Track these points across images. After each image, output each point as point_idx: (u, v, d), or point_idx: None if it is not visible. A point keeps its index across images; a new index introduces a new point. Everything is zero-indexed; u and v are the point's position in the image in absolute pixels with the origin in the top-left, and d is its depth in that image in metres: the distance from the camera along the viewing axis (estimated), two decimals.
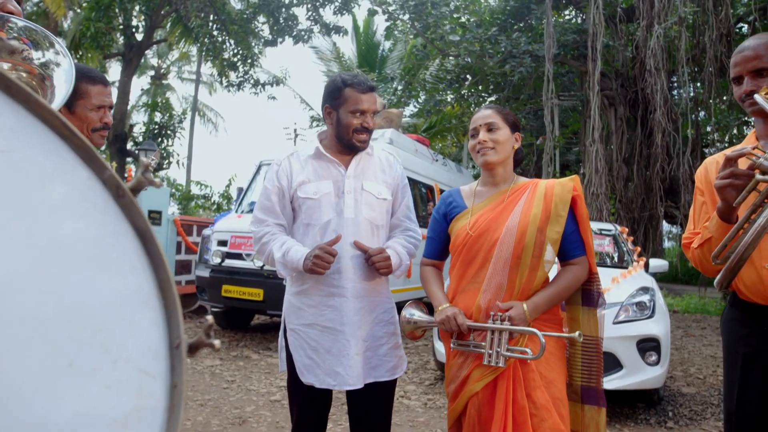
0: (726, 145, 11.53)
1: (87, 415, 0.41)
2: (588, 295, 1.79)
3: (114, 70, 19.16)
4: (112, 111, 1.83)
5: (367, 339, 1.94)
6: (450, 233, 1.90)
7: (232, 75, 12.96)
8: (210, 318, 0.53)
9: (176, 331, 0.48)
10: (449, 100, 12.68)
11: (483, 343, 1.70)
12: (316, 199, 1.95)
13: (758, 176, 1.34)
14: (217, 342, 0.53)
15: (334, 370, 1.88)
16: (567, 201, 1.74)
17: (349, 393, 2.01)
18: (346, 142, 1.97)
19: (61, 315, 0.43)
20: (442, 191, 8.45)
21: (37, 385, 0.39)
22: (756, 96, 1.45)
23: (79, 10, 13.24)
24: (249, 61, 12.52)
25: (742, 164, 1.44)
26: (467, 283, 1.80)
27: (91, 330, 0.44)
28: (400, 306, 2.06)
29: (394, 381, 2.04)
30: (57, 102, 0.96)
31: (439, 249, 1.97)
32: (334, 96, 1.96)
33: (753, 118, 1.67)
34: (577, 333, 1.62)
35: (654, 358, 3.74)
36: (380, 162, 2.08)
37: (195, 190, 17.55)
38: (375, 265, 1.90)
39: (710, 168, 1.71)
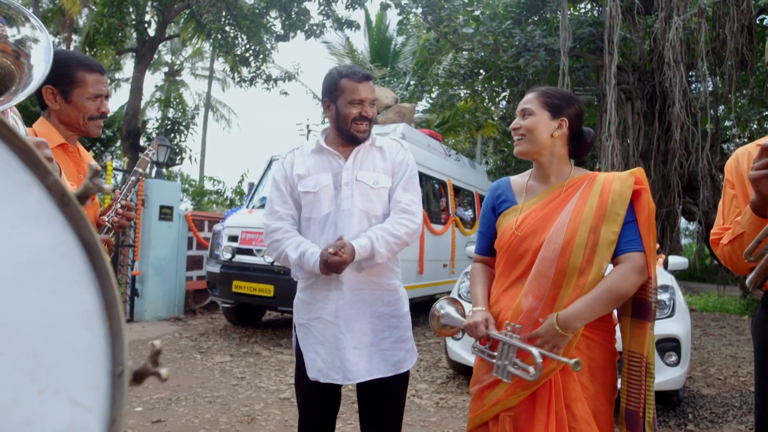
0: (746, 140, 11.27)
1: None
2: (640, 305, 1.57)
3: (127, 66, 19.25)
4: (108, 100, 1.79)
5: (369, 333, 1.89)
6: (497, 228, 1.75)
7: (245, 70, 12.92)
8: (157, 343, 0.45)
9: (120, 358, 0.41)
10: (462, 94, 12.54)
11: (495, 353, 1.58)
12: (315, 192, 1.93)
13: None
14: (164, 371, 0.44)
15: (337, 364, 1.86)
16: (626, 198, 1.56)
17: (359, 389, 1.98)
18: (345, 133, 1.95)
19: None
20: (455, 187, 8.35)
21: None
22: None
23: (93, 7, 13.30)
24: (261, 56, 12.46)
25: None
26: (511, 284, 1.66)
27: (15, 356, 0.36)
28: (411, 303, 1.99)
29: (406, 376, 1.98)
30: (35, 82, 0.89)
31: (487, 244, 1.81)
32: (331, 89, 1.95)
33: None
34: (573, 361, 1.41)
35: (674, 358, 3.63)
36: (382, 151, 2.03)
37: (208, 185, 17.58)
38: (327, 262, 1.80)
39: (741, 159, 1.60)
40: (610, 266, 1.61)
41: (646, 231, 1.56)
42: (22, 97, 0.89)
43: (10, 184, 0.40)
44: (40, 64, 0.89)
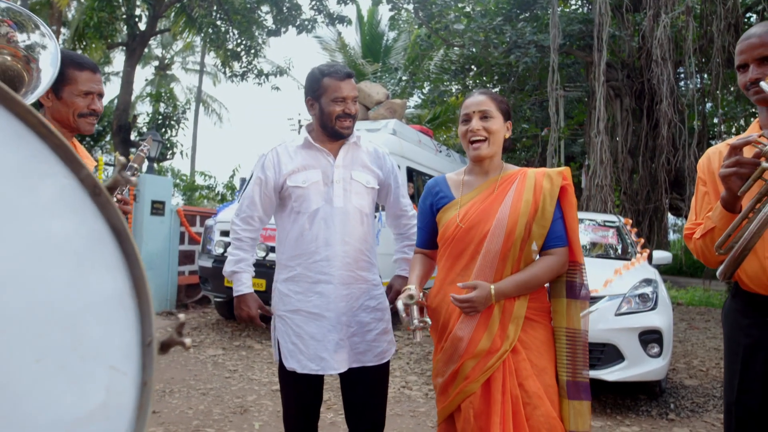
0: (732, 136, 11.42)
1: (50, 411, 0.40)
2: (572, 286, 1.75)
3: (118, 60, 19.10)
4: (102, 98, 1.81)
5: (353, 325, 1.98)
6: (438, 224, 1.85)
7: (236, 65, 12.90)
8: (182, 316, 0.52)
9: (148, 329, 0.48)
10: (453, 90, 12.61)
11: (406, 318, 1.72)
12: (305, 188, 1.99)
13: (764, 164, 1.32)
14: (188, 340, 0.52)
15: (318, 355, 1.92)
16: (555, 196, 1.72)
17: (343, 379, 2.04)
18: (330, 130, 2.02)
19: (30, 313, 0.42)
20: None
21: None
22: (762, 84, 1.42)
23: (83, 0, 13.20)
24: (252, 51, 12.46)
25: (747, 153, 1.41)
26: (456, 275, 1.76)
27: (60, 328, 0.43)
28: None
29: (387, 365, 2.08)
30: (43, 86, 0.95)
31: (428, 239, 1.92)
32: (314, 87, 2.01)
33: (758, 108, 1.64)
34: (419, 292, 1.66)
35: (656, 350, 3.73)
36: (368, 152, 2.13)
37: (199, 180, 17.54)
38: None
39: (713, 158, 1.69)
40: None
41: (573, 224, 1.74)
42: (31, 99, 0.95)
43: (48, 178, 0.47)
44: (47, 69, 0.95)
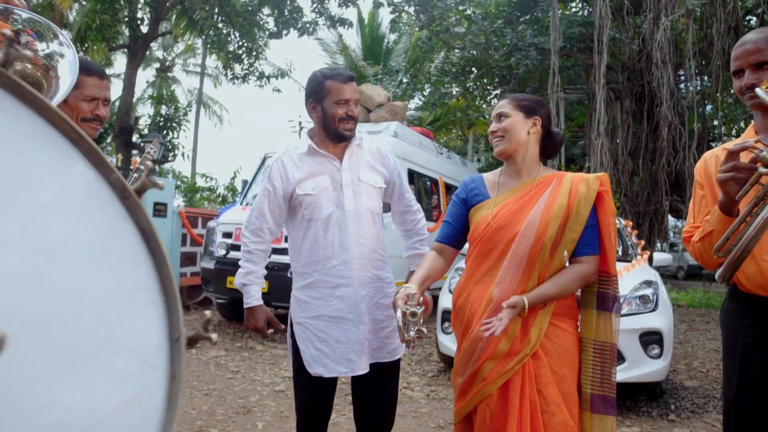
0: (732, 138, 11.41)
1: (88, 401, 0.43)
2: (603, 298, 1.72)
3: (119, 63, 19.18)
4: (109, 105, 1.82)
5: (369, 323, 2.00)
6: (469, 221, 1.84)
7: (237, 68, 12.93)
8: (208, 313, 0.55)
9: (176, 325, 0.51)
10: (454, 92, 12.64)
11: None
12: (315, 195, 2.00)
13: (761, 169, 1.34)
14: (214, 335, 0.55)
15: (345, 357, 1.95)
16: (591, 200, 1.69)
17: (355, 379, 2.06)
18: (333, 133, 2.03)
19: (65, 309, 0.45)
20: (446, 184, 8.45)
21: (40, 375, 0.41)
22: (757, 90, 1.45)
23: (84, 2, 13.26)
24: (254, 53, 12.49)
25: (744, 158, 1.44)
26: (482, 275, 1.76)
27: (94, 323, 0.46)
28: None
29: (398, 362, 2.10)
30: (61, 93, 0.97)
31: (451, 233, 1.87)
32: (317, 90, 2.02)
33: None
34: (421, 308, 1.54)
35: (656, 351, 3.75)
36: (371, 153, 2.15)
37: (200, 182, 17.58)
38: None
39: (710, 162, 1.72)
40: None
41: (607, 233, 1.71)
42: None
43: (80, 181, 0.50)
44: (66, 76, 0.98)
